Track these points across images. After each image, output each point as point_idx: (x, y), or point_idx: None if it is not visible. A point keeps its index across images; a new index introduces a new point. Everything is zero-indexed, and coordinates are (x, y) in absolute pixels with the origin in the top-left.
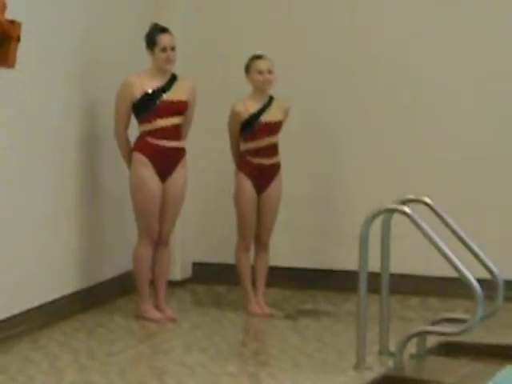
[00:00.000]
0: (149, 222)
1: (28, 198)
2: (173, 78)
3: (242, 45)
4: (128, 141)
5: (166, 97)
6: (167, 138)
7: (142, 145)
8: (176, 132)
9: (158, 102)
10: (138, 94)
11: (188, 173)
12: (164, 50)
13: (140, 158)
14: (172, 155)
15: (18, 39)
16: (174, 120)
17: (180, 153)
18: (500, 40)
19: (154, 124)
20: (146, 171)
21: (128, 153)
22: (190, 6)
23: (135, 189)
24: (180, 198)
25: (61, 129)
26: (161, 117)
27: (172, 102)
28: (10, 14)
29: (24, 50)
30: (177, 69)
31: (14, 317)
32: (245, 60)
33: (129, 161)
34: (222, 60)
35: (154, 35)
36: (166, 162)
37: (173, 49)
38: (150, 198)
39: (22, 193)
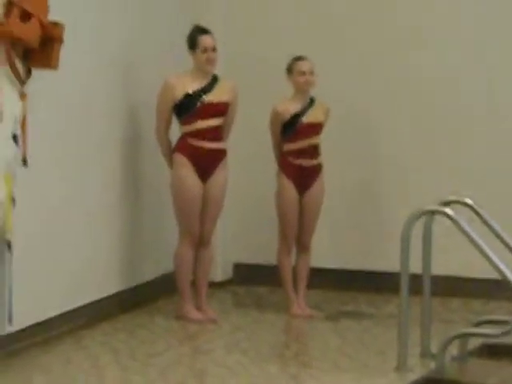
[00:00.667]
0: (190, 223)
1: (72, 199)
2: (214, 79)
3: (282, 46)
4: (169, 142)
5: (207, 98)
6: (208, 139)
7: (182, 146)
8: (217, 133)
9: (198, 103)
10: (179, 95)
11: (228, 174)
12: (205, 50)
13: (181, 159)
14: (212, 156)
15: (61, 41)
16: (215, 121)
17: (220, 154)
18: None
19: (194, 125)
20: (187, 172)
21: (169, 153)
22: (230, 7)
23: (176, 189)
24: (220, 199)
25: (103, 131)
26: (202, 118)
27: (213, 104)
28: (52, 16)
29: (67, 52)
30: (217, 70)
31: (57, 317)
32: (286, 61)
33: (170, 161)
34: (263, 61)
35: (195, 36)
36: (207, 162)
37: (214, 50)
38: (190, 198)
39: (66, 194)
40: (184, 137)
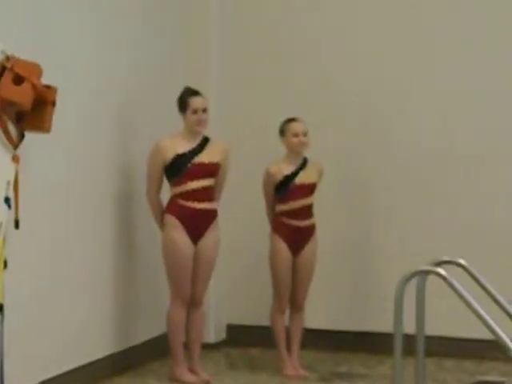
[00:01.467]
0: (181, 284)
1: (64, 260)
2: (205, 140)
3: (275, 108)
4: (160, 203)
5: (197, 159)
6: (199, 200)
7: (173, 207)
8: (208, 194)
9: (189, 165)
10: (170, 157)
11: (220, 234)
12: (195, 111)
13: (172, 221)
14: (203, 217)
15: (54, 104)
16: (206, 182)
17: (211, 214)
18: None
19: (185, 186)
20: (178, 234)
21: (160, 215)
22: (224, 70)
23: (167, 251)
24: (212, 260)
25: (96, 192)
26: (192, 179)
27: (204, 164)
28: (45, 79)
29: (60, 115)
30: (211, 132)
31: (50, 380)
32: (279, 122)
33: (161, 223)
34: (256, 123)
35: (185, 98)
36: (198, 223)
37: (204, 111)
38: (182, 260)
39: (58, 255)
40: (174, 198)
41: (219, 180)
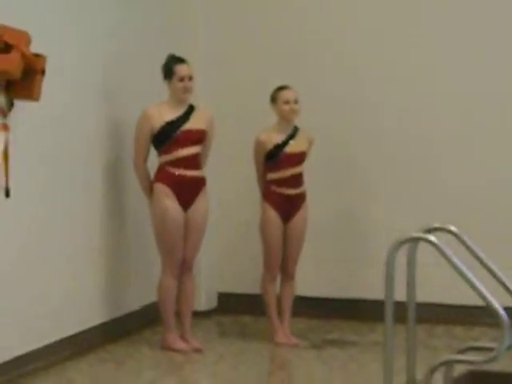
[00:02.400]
0: (172, 252)
1: (54, 230)
2: (191, 108)
3: (267, 76)
4: (148, 172)
5: (185, 126)
6: (188, 167)
7: (163, 175)
8: (196, 161)
9: (178, 132)
10: (157, 125)
11: (211, 202)
12: (182, 79)
13: (162, 189)
14: (193, 184)
15: (43, 72)
16: (194, 149)
17: (201, 182)
18: None
19: (174, 154)
20: (169, 201)
21: (148, 184)
22: (212, 37)
23: (159, 219)
24: (202, 227)
25: (86, 162)
26: (181, 146)
27: (191, 132)
28: (34, 47)
29: (47, 83)
30: (201, 101)
31: (42, 348)
32: (270, 90)
33: (149, 192)
34: (248, 91)
35: (171, 65)
36: (188, 191)
37: (190, 78)
38: (173, 227)
39: (49, 224)
40: (163, 166)
41: (206, 147)
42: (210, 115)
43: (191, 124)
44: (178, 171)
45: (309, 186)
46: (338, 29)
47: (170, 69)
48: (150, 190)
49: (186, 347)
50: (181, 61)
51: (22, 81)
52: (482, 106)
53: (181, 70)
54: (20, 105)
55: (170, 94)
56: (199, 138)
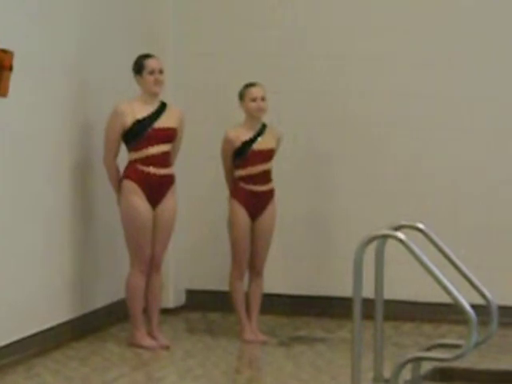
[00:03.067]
0: (140, 249)
1: (20, 226)
2: (162, 106)
3: (235, 72)
4: (117, 169)
5: (156, 124)
6: (158, 165)
7: (132, 172)
8: (166, 159)
9: (149, 130)
10: (129, 122)
11: (179, 199)
12: (152, 72)
13: (131, 186)
14: (162, 182)
15: (11, 68)
16: (164, 147)
17: (170, 179)
18: None
19: (144, 151)
20: (137, 198)
21: (117, 181)
22: (181, 33)
23: (126, 216)
24: (171, 224)
25: (53, 156)
26: (151, 144)
27: (162, 130)
28: (1, 43)
29: (15, 79)
30: (170, 99)
31: (8, 346)
32: (239, 87)
33: (118, 189)
34: (216, 87)
35: (141, 60)
36: (157, 188)
37: (161, 72)
38: (141, 225)
39: (14, 221)
40: (133, 163)
41: (175, 145)
42: (181, 113)
43: (162, 122)
44: (147, 169)
45: (277, 183)
46: (313, 23)
47: (141, 63)
48: (118, 187)
49: (153, 344)
50: (150, 56)
51: None
52: (457, 102)
53: (151, 63)
54: None
55: (141, 91)
56: (169, 136)
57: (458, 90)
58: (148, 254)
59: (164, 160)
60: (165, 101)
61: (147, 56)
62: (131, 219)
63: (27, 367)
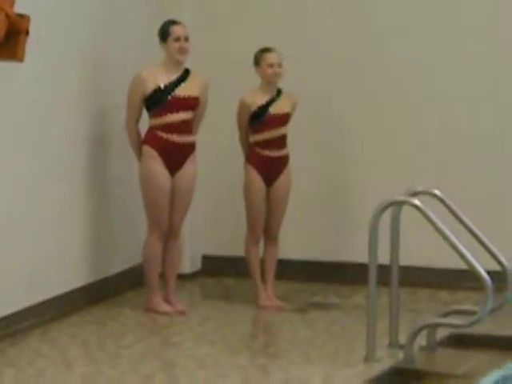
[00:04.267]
0: (159, 215)
1: (38, 193)
2: (186, 73)
3: (249, 37)
4: (139, 134)
5: (178, 92)
6: (177, 133)
7: (152, 139)
8: (186, 127)
9: (169, 97)
10: (150, 88)
11: (197, 166)
12: (178, 39)
13: (150, 152)
14: (182, 149)
15: (27, 33)
16: (185, 115)
17: (190, 147)
18: None
19: (164, 118)
20: (156, 165)
21: (138, 146)
22: (198, 2)
23: (145, 182)
24: (189, 192)
25: (70, 124)
26: (171, 112)
27: (184, 98)
28: (18, 8)
29: (32, 45)
30: (187, 65)
31: (24, 310)
32: (253, 52)
33: (139, 154)
34: (230, 53)
35: (167, 27)
36: (176, 156)
37: (186, 39)
38: (159, 191)
39: (32, 188)
40: (153, 130)
41: (198, 114)
42: (204, 81)
43: (184, 90)
44: (166, 136)
45: (293, 149)
46: None
47: (166, 30)
48: (140, 152)
49: (169, 309)
50: (176, 22)
51: (6, 41)
52: (473, 71)
53: (176, 30)
54: (2, 65)
55: (165, 57)
56: (191, 104)
57: (481, 62)
58: (166, 220)
59: (184, 127)
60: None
61: (173, 22)
62: (149, 184)
63: (43, 331)
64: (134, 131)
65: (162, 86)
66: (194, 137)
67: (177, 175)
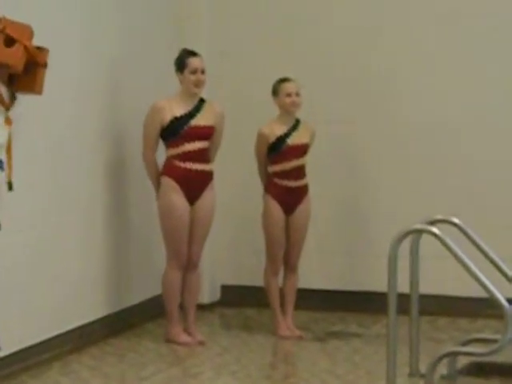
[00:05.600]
0: (178, 246)
1: (58, 223)
2: (201, 102)
3: (268, 67)
4: (157, 165)
5: (194, 122)
6: (195, 161)
7: (170, 169)
8: (203, 155)
9: (185, 127)
10: (167, 119)
11: (216, 196)
12: (194, 72)
13: (169, 183)
14: (200, 178)
15: (46, 65)
16: (202, 144)
17: (208, 176)
18: None
19: (181, 148)
20: (176, 195)
21: (157, 177)
22: (215, 28)
23: (165, 213)
24: (208, 221)
25: (89, 155)
26: (188, 141)
27: (199, 127)
28: (37, 40)
29: (50, 77)
30: (204, 94)
31: (45, 342)
32: (271, 82)
33: (157, 185)
34: (249, 83)
35: (184, 58)
36: (195, 185)
37: (203, 72)
38: (179, 222)
39: (52, 218)
40: (170, 160)
41: (214, 142)
42: (219, 111)
43: (200, 120)
44: (184, 164)
45: (312, 178)
46: (349, 16)
47: (183, 61)
48: (157, 182)
49: (189, 340)
50: (194, 54)
51: (25, 74)
52: (487, 98)
53: (194, 62)
54: (22, 98)
55: (181, 88)
56: (207, 133)
57: (492, 86)
58: (185, 251)
59: (202, 156)
60: (203, 97)
61: (190, 53)
62: (169, 216)
63: (63, 363)
64: (151, 162)
65: (179, 115)
66: (211, 165)
67: (196, 205)
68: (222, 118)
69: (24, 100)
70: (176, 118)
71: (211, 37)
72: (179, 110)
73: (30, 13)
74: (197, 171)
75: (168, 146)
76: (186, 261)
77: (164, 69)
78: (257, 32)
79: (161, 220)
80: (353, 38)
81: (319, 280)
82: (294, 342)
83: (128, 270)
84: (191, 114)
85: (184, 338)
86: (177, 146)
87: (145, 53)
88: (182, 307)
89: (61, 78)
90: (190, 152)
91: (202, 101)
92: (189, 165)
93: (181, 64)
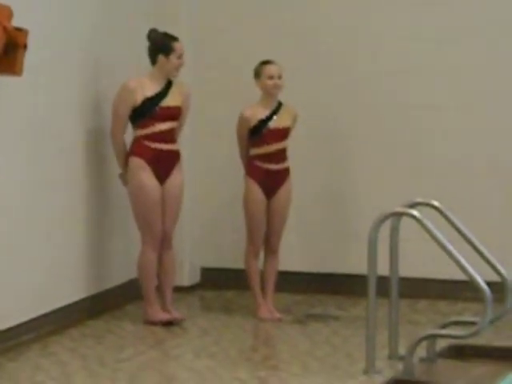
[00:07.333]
0: (151, 226)
1: (35, 204)
2: (169, 84)
3: (250, 50)
4: (125, 145)
5: (163, 103)
6: (164, 141)
7: (139, 149)
8: (171, 135)
9: (156, 108)
10: (139, 99)
11: (194, 177)
12: (180, 57)
13: (139, 163)
14: (170, 158)
15: (25, 47)
16: (171, 124)
17: (176, 155)
18: None
19: (151, 128)
20: (146, 175)
21: (124, 157)
22: (194, 9)
23: (136, 193)
24: (179, 199)
25: (67, 134)
26: (158, 122)
27: (169, 108)
28: (15, 22)
29: (29, 57)
30: (185, 75)
31: (24, 324)
32: (253, 65)
33: (124, 165)
34: (230, 65)
35: (170, 42)
36: (165, 165)
37: (179, 57)
38: (150, 201)
39: (30, 199)
40: (139, 140)
41: (181, 122)
42: (186, 91)
43: (169, 101)
44: (154, 145)
45: (293, 161)
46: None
47: (169, 45)
48: (125, 163)
49: (167, 317)
50: (177, 38)
51: (4, 56)
52: (472, 78)
53: (180, 47)
54: (1, 80)
55: (156, 69)
56: (176, 114)
57: (480, 68)
58: (159, 231)
59: (170, 136)
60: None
61: (175, 38)
62: (140, 196)
63: (43, 345)
64: (121, 141)
65: (150, 96)
66: (178, 145)
67: (166, 184)
68: (189, 98)
69: (2, 79)
70: (147, 99)
71: (192, 18)
72: (150, 91)
73: None
74: (167, 151)
75: (137, 126)
76: (160, 241)
77: (142, 44)
78: (238, 12)
79: (132, 200)
80: (338, 16)
81: (299, 262)
82: (274, 324)
83: (107, 252)
84: (161, 95)
85: (162, 315)
86: (147, 126)
87: (123, 31)
88: (159, 289)
89: (37, 56)
90: (160, 132)
91: (169, 82)
92: (159, 145)
93: (166, 47)
